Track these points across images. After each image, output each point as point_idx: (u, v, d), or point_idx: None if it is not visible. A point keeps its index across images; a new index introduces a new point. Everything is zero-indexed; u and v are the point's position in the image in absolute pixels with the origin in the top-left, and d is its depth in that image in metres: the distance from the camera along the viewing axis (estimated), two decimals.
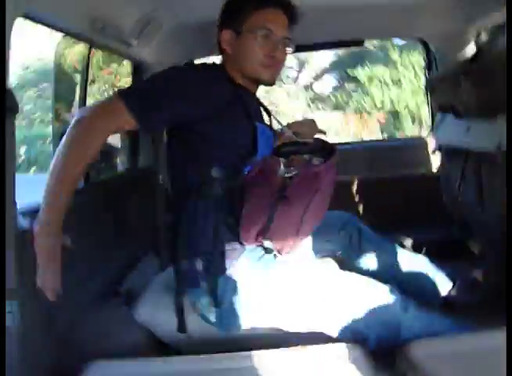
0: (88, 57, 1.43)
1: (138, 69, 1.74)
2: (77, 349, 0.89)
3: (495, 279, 1.29)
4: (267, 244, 0.90)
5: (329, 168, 0.89)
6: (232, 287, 0.92)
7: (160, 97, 0.87)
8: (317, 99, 8.18)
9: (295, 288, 0.92)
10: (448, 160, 1.58)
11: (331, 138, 0.93)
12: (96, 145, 0.82)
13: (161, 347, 1.00)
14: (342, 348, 0.83)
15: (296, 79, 8.54)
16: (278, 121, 1.12)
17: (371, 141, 2.24)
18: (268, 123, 1.11)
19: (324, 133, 1.21)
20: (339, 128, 6.97)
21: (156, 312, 1.00)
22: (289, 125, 1.17)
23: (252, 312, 0.92)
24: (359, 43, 1.85)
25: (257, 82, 1.04)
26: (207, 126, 0.91)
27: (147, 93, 0.88)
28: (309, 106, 8.06)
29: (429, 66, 1.91)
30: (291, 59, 7.40)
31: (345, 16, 1.61)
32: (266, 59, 0.98)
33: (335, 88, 8.27)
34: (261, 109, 1.12)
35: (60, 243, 0.78)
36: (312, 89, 8.40)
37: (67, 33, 1.25)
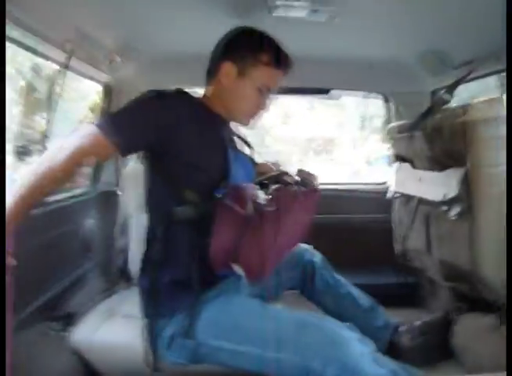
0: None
1: (109, 93, 1.76)
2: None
3: (438, 325, 1.33)
4: (236, 268, 0.87)
5: (307, 195, 0.91)
6: (207, 318, 0.90)
7: (134, 120, 0.90)
8: None
9: (259, 325, 0.89)
10: (401, 207, 1.66)
11: None
12: (69, 167, 0.86)
13: None
14: None
15: None
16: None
17: (335, 183, 2.31)
18: (248, 153, 1.14)
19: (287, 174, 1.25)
20: None
21: (96, 340, 0.96)
22: (258, 166, 1.20)
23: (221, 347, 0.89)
24: (324, 92, 1.95)
25: (234, 121, 1.08)
26: (180, 149, 0.92)
27: (122, 118, 0.92)
28: None
29: (388, 118, 2.04)
30: None
31: (313, 65, 1.71)
32: (254, 109, 1.03)
33: None
34: (239, 140, 1.15)
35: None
36: None
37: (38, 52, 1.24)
